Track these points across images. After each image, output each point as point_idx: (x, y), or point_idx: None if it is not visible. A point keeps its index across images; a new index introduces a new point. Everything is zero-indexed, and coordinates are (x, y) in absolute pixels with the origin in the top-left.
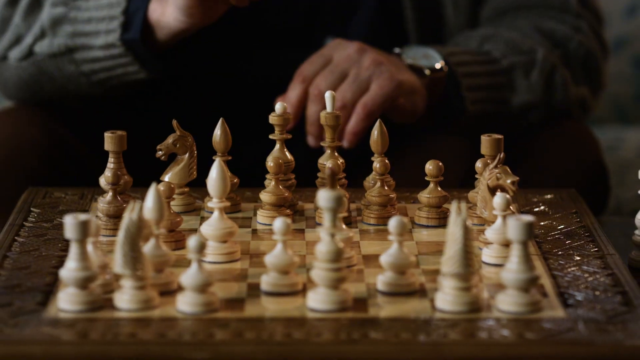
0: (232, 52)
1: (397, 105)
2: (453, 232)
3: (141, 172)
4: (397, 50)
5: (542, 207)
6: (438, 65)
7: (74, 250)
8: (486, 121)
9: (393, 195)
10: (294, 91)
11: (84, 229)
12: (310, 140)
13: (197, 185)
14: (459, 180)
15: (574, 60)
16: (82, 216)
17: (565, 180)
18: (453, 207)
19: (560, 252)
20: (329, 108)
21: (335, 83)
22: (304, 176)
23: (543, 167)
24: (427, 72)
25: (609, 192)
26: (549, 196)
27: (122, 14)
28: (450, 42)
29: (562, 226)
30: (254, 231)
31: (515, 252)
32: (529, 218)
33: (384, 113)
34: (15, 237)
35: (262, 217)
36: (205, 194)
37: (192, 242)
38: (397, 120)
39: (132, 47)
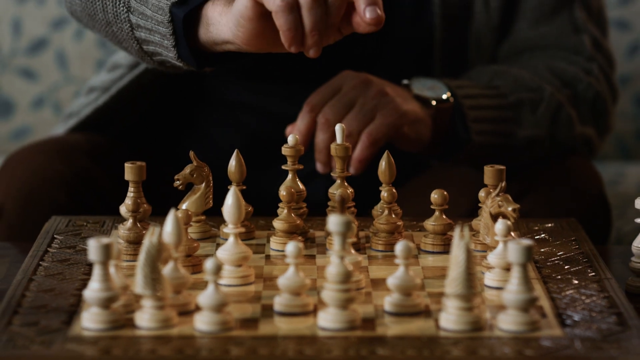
0: (254, 87)
1: (402, 134)
2: (456, 255)
3: (158, 203)
4: (405, 81)
5: (542, 235)
6: (444, 97)
7: (97, 272)
8: (492, 153)
9: (400, 223)
10: (302, 120)
11: (107, 252)
12: (319, 167)
13: (212, 214)
14: (468, 211)
15: (582, 101)
16: (105, 239)
17: (567, 214)
18: (456, 231)
19: (559, 277)
20: (338, 140)
21: (342, 112)
22: (318, 209)
23: (546, 200)
24: (433, 102)
25: (610, 226)
26: (549, 225)
27: None
28: (464, 75)
29: (562, 252)
30: (267, 257)
31: (516, 274)
32: (528, 242)
33: (390, 141)
34: (40, 262)
35: (275, 243)
36: (220, 222)
37: (209, 264)
38: (403, 149)
39: (175, 22)
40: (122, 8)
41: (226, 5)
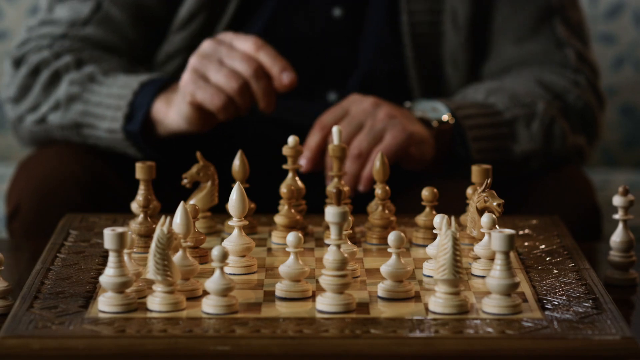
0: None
1: (408, 154)
2: (443, 243)
3: (167, 201)
4: (408, 104)
5: (527, 231)
6: (445, 118)
7: (112, 259)
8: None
9: (393, 218)
10: (313, 138)
11: (121, 240)
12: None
13: (217, 211)
14: (458, 209)
15: (572, 112)
16: (120, 229)
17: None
18: (444, 221)
19: (540, 267)
20: (335, 141)
21: (352, 133)
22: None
23: (540, 210)
24: (434, 123)
25: (601, 232)
26: (534, 221)
27: (127, 105)
28: (459, 93)
29: (544, 246)
30: (269, 250)
31: (499, 261)
32: (510, 231)
33: (396, 161)
34: (57, 254)
35: (276, 237)
36: (225, 218)
37: (215, 251)
38: (408, 168)
39: (132, 136)
40: (76, 138)
41: (167, 105)
